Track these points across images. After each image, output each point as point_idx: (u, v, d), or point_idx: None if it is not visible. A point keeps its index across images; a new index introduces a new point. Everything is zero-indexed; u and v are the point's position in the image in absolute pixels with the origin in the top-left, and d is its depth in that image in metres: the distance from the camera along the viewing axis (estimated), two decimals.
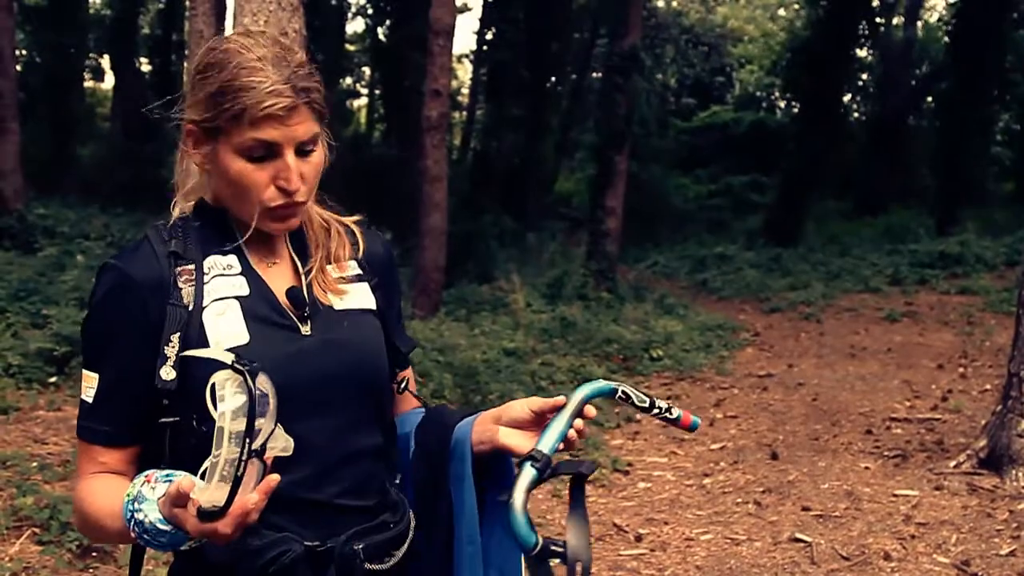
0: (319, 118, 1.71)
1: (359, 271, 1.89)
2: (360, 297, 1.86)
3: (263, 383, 1.47)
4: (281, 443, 1.54)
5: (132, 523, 1.52)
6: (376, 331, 1.85)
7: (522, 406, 1.82)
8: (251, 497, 1.43)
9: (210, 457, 1.44)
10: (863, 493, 6.30)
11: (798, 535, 5.63)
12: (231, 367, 1.45)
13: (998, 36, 21.51)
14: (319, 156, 1.73)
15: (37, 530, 5.15)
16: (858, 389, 9.26)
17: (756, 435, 7.88)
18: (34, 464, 6.10)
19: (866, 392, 9.12)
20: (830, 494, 6.32)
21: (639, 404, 1.85)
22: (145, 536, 1.51)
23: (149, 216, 16.89)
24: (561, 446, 1.80)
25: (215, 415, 1.45)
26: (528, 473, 1.74)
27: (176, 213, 1.81)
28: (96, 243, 13.80)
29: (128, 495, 1.54)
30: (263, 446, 1.46)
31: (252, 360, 1.47)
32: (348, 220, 1.94)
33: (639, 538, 5.69)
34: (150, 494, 1.51)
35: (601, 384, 1.85)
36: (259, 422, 1.44)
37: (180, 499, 1.43)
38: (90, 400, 1.69)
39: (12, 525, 5.17)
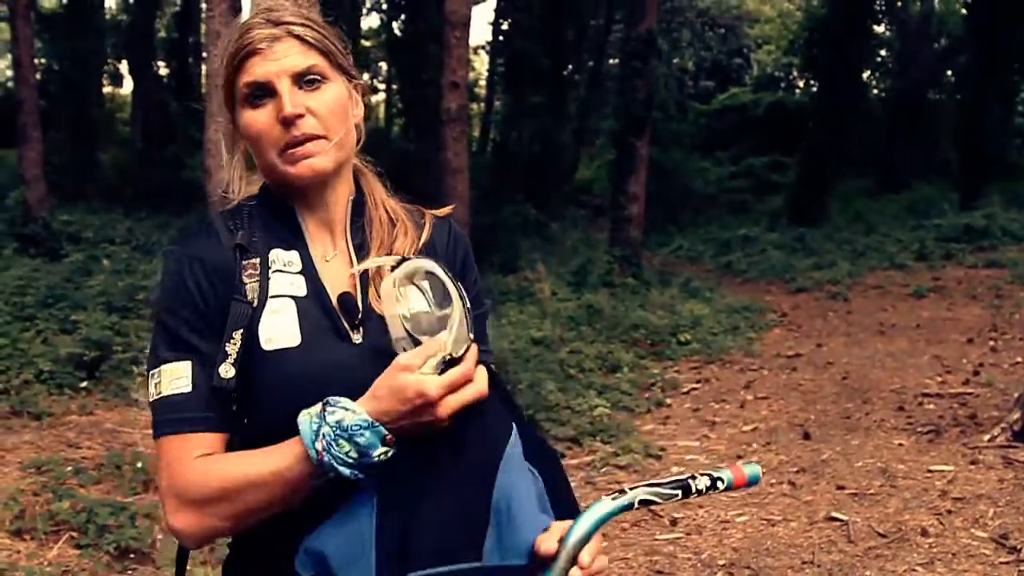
0: (322, 55, 1.69)
1: None
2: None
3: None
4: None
5: (319, 434, 1.48)
6: None
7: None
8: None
9: (442, 331, 1.53)
10: (898, 470, 6.27)
11: (834, 514, 5.61)
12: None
13: (1017, 6, 21.28)
14: (334, 92, 1.70)
15: (75, 534, 5.19)
16: (888, 366, 9.21)
17: (788, 415, 7.86)
18: (69, 468, 6.14)
19: (896, 369, 9.08)
20: (864, 472, 6.29)
21: (669, 503, 1.59)
22: (336, 444, 1.47)
23: (172, 219, 17.00)
24: None
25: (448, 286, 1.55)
26: None
27: (237, 197, 1.80)
28: (121, 248, 13.88)
29: (307, 413, 1.51)
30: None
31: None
32: (427, 211, 1.89)
33: (674, 522, 5.68)
34: (342, 400, 1.51)
35: (608, 506, 1.52)
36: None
37: (411, 364, 1.50)
38: (188, 389, 1.61)
39: (50, 529, 5.21)
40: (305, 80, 1.66)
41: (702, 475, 1.59)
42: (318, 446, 1.48)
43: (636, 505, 1.55)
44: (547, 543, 1.49)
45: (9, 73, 29.05)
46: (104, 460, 6.34)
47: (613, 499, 1.54)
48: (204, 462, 1.60)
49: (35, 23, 18.87)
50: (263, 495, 1.55)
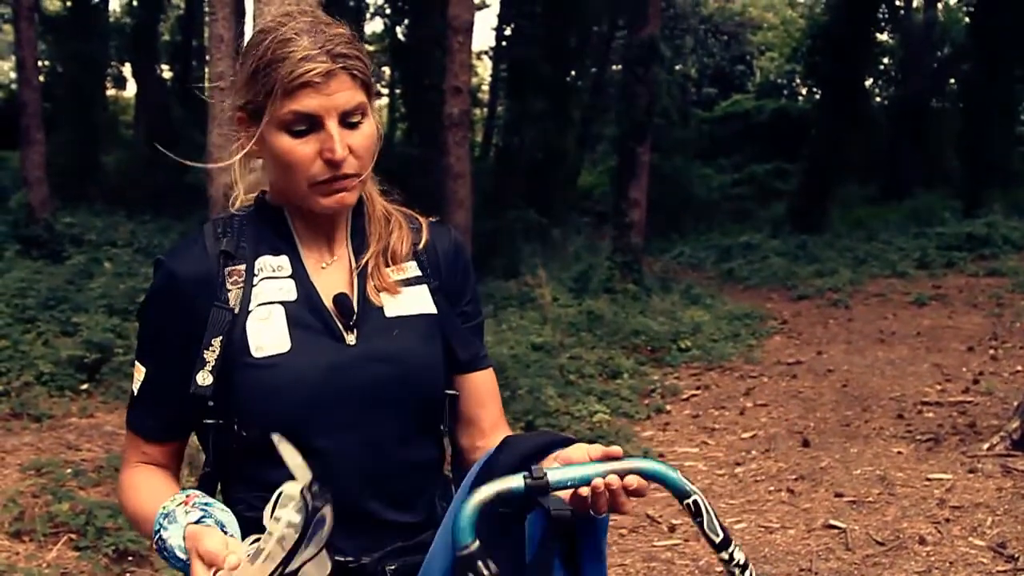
0: (365, 88, 1.67)
1: (419, 272, 1.81)
2: (416, 301, 1.78)
3: (326, 512, 1.43)
4: (318, 572, 1.50)
5: (156, 536, 1.54)
6: (430, 339, 1.77)
7: (581, 450, 1.57)
8: None
9: (257, 546, 1.43)
10: (896, 478, 6.28)
11: (832, 521, 5.62)
12: (301, 491, 1.43)
13: (1020, 14, 21.27)
14: (369, 129, 1.68)
15: (74, 536, 5.21)
16: (888, 374, 9.21)
17: (787, 423, 7.86)
18: (68, 471, 6.15)
19: (896, 377, 9.08)
20: (863, 480, 6.30)
21: (708, 532, 1.54)
22: (163, 553, 1.53)
23: (174, 222, 17.02)
24: (587, 492, 1.50)
25: (268, 522, 1.44)
26: (512, 480, 1.46)
27: (235, 206, 1.81)
28: (123, 250, 13.88)
29: (164, 508, 1.55)
30: (299, 569, 1.45)
31: (319, 482, 1.43)
32: (420, 216, 1.89)
33: (672, 528, 5.69)
34: (182, 517, 1.52)
35: (673, 475, 1.52)
36: (304, 550, 1.42)
37: (210, 560, 1.42)
38: (135, 392, 1.72)
39: (49, 531, 5.23)
40: (350, 117, 1.65)
41: (743, 551, 1.56)
42: (154, 545, 1.56)
43: (688, 501, 1.52)
44: (615, 448, 1.53)
45: (13, 75, 29.05)
46: (104, 462, 6.35)
47: (680, 475, 1.53)
48: (132, 474, 1.74)
49: (39, 25, 18.93)
50: (146, 532, 1.64)
